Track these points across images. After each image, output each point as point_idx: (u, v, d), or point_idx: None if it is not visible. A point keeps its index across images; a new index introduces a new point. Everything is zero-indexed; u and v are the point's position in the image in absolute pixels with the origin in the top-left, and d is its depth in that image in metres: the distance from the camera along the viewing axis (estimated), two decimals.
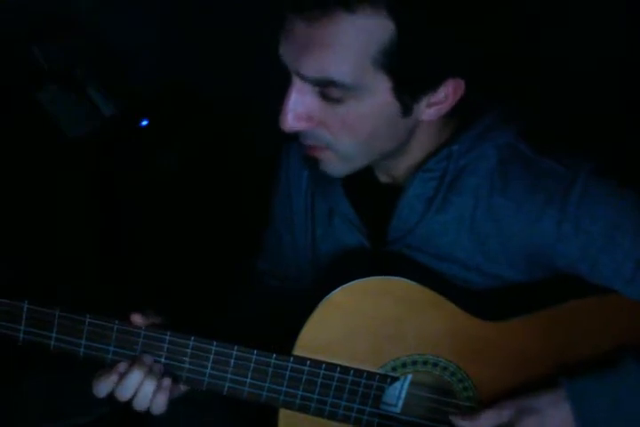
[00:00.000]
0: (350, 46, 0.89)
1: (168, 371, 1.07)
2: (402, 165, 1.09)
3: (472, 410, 1.06)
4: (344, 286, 1.04)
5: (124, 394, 1.04)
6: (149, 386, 1.04)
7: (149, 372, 1.05)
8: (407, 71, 0.92)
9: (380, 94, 0.94)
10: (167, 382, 1.06)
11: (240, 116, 2.08)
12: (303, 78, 0.93)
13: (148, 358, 1.06)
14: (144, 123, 2.12)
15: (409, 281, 1.04)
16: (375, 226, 1.12)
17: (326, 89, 0.93)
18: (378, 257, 1.11)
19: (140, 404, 1.05)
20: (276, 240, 1.30)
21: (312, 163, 1.15)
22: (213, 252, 2.09)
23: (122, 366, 1.05)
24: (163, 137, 2.13)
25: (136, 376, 1.04)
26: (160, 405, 1.06)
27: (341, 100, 0.94)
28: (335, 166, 1.03)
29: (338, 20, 0.88)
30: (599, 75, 1.73)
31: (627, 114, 1.70)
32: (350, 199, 1.13)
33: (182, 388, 1.10)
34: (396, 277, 1.04)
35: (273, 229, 1.31)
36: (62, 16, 2.05)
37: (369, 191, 1.13)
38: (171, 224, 2.12)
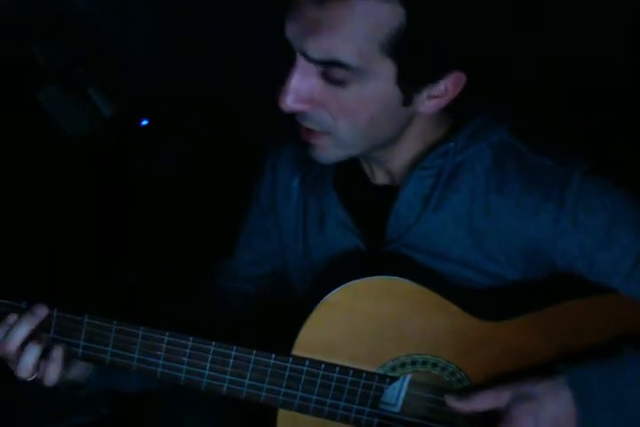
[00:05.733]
0: (360, 30, 0.90)
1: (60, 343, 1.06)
2: (396, 159, 1.09)
3: (467, 391, 1.05)
4: (343, 285, 1.04)
5: (8, 347, 1.03)
6: (34, 349, 1.03)
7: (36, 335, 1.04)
8: (413, 59, 0.93)
9: (383, 80, 0.94)
10: (57, 353, 1.05)
11: (240, 116, 2.08)
12: (309, 58, 0.93)
13: (41, 310, 1.05)
14: (144, 123, 2.12)
15: (408, 281, 1.04)
16: (371, 228, 1.12)
17: (330, 70, 0.93)
18: (376, 257, 1.11)
19: (24, 368, 1.03)
20: (248, 249, 1.30)
21: (305, 165, 1.15)
22: (213, 252, 2.09)
23: (11, 318, 1.04)
24: (163, 137, 2.13)
25: (23, 328, 1.03)
26: (52, 375, 1.05)
27: (344, 82, 0.93)
28: (330, 153, 1.02)
29: (351, 4, 0.88)
30: (599, 75, 1.72)
31: (627, 114, 1.69)
32: (344, 202, 1.13)
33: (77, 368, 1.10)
34: (396, 277, 1.04)
35: (247, 240, 1.31)
36: (62, 16, 2.04)
37: (363, 193, 1.13)
38: (170, 224, 2.12)
